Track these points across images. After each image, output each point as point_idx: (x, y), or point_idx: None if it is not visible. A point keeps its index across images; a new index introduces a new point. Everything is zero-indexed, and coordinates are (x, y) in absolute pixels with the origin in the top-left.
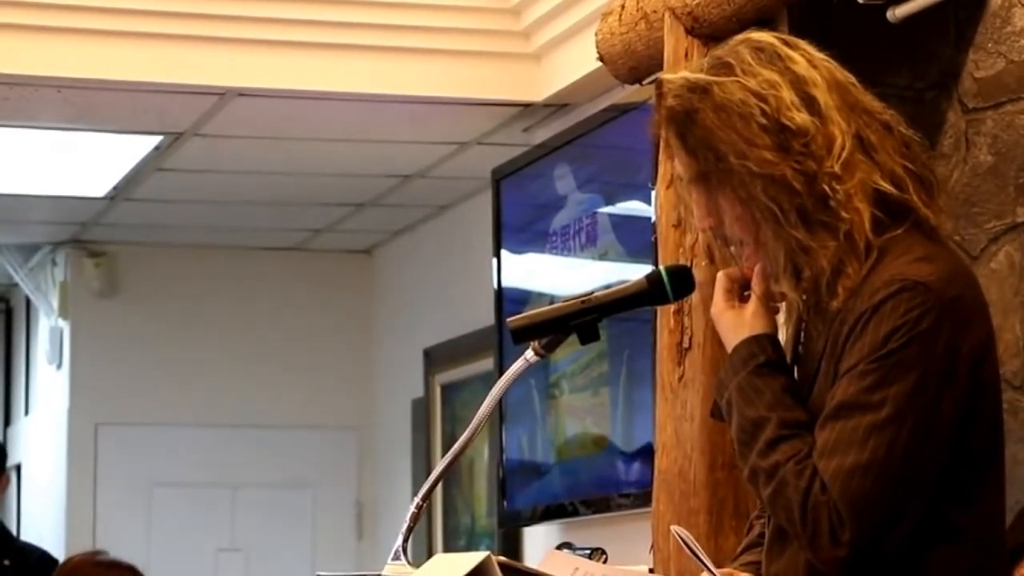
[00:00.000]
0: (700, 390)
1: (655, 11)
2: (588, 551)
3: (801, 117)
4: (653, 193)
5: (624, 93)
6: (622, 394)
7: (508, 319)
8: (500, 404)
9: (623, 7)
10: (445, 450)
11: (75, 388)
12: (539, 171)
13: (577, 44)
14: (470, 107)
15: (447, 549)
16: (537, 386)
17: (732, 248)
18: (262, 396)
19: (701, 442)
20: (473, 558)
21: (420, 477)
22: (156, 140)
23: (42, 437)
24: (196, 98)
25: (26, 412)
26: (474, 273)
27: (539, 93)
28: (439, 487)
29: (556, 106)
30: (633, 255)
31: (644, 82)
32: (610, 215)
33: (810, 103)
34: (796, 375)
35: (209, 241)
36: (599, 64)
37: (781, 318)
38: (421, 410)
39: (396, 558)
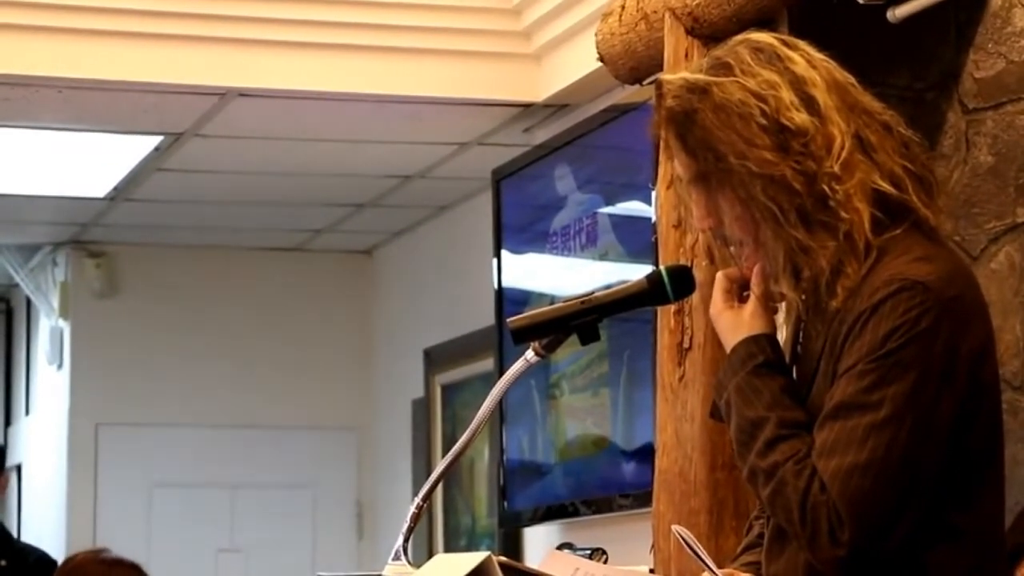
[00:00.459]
0: (700, 390)
1: (655, 11)
2: (589, 551)
3: (800, 117)
4: (653, 193)
5: (624, 93)
6: (622, 394)
7: (508, 319)
8: (500, 404)
9: (623, 8)
10: (445, 450)
11: (75, 388)
12: (539, 171)
13: (577, 44)
14: (470, 107)
15: (448, 549)
16: (537, 386)
17: (732, 248)
18: (262, 397)
19: (701, 442)
20: (474, 558)
21: (420, 477)
22: (156, 140)
23: (42, 437)
24: (196, 98)
25: (26, 412)
26: (474, 273)
27: (539, 93)
28: (440, 487)
29: (556, 106)
30: (633, 255)
31: (644, 82)
32: (610, 215)
33: (809, 103)
34: (795, 375)
35: (209, 241)
36: (599, 64)
37: (780, 318)
38: (421, 410)
39: (396, 558)
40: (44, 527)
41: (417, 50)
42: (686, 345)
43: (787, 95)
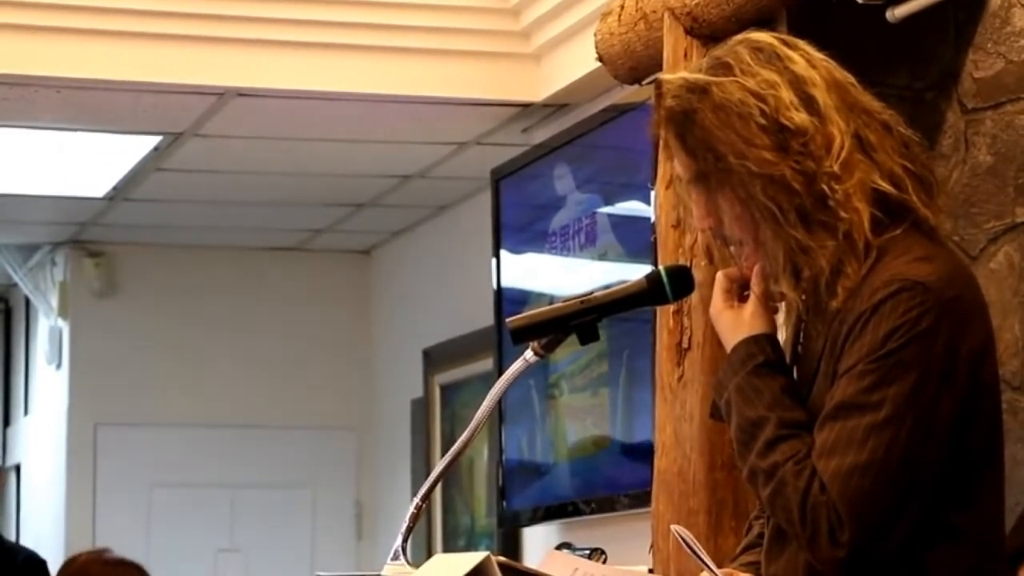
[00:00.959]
0: (699, 390)
1: (654, 11)
2: (587, 551)
3: (800, 117)
4: (652, 193)
5: (623, 93)
6: (621, 394)
7: (507, 319)
8: (499, 404)
9: (622, 7)
10: (444, 450)
11: (74, 388)
12: (538, 171)
13: (576, 44)
14: (469, 107)
15: (447, 549)
16: (536, 386)
17: (731, 248)
18: (262, 396)
19: (700, 442)
20: (473, 558)
21: (419, 477)
22: (155, 140)
23: (41, 437)
24: (195, 98)
25: (25, 412)
26: (473, 273)
27: (538, 93)
28: (439, 487)
29: (555, 106)
30: (632, 255)
31: (643, 82)
32: (609, 215)
33: (809, 103)
34: (795, 375)
35: (208, 241)
36: (598, 64)
37: (780, 318)
38: (420, 410)
39: (395, 558)
40: (43, 527)
41: (416, 50)
42: (685, 345)
43: (787, 95)
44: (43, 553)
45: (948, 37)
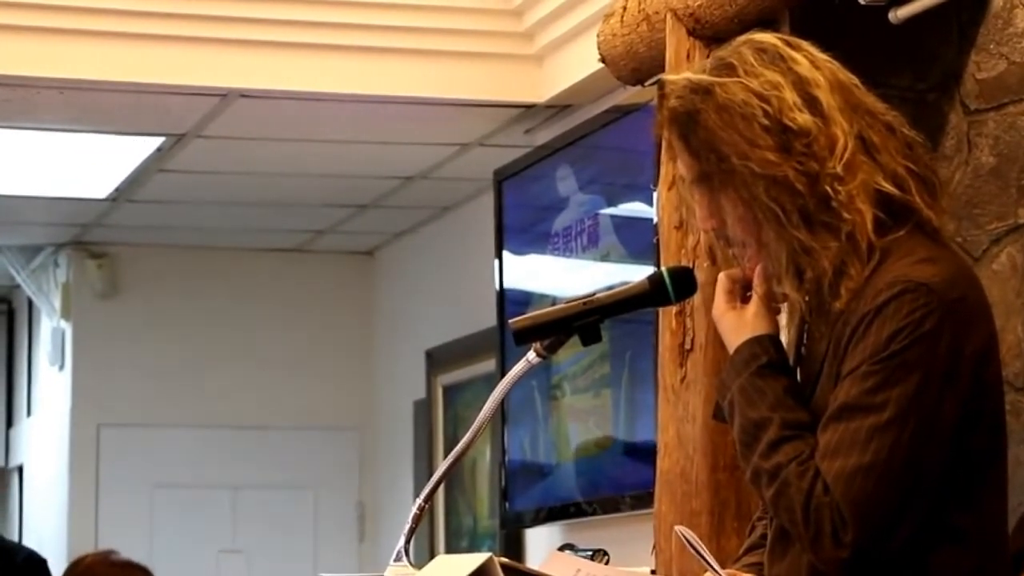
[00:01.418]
0: (702, 391)
1: (657, 12)
2: (590, 552)
3: (803, 118)
4: (655, 194)
5: (626, 94)
6: (624, 395)
7: (510, 320)
8: (502, 405)
9: (625, 8)
10: (447, 451)
11: (77, 389)
12: (541, 172)
13: (579, 45)
14: (472, 108)
15: (449, 550)
16: (539, 387)
17: (734, 249)
18: (264, 397)
19: (703, 443)
20: (475, 559)
21: (422, 478)
22: (158, 141)
23: (44, 438)
24: (198, 99)
25: (28, 413)
26: (476, 274)
27: (541, 94)
28: (441, 488)
29: (558, 107)
30: (635, 256)
31: (646, 83)
32: (612, 216)
33: (812, 104)
34: (799, 376)
35: (211, 242)
36: (601, 65)
37: (784, 319)
38: (423, 411)
39: (398, 559)
40: (46, 528)
41: (419, 51)
42: (687, 346)
43: (790, 96)
44: (45, 554)
45: (951, 38)
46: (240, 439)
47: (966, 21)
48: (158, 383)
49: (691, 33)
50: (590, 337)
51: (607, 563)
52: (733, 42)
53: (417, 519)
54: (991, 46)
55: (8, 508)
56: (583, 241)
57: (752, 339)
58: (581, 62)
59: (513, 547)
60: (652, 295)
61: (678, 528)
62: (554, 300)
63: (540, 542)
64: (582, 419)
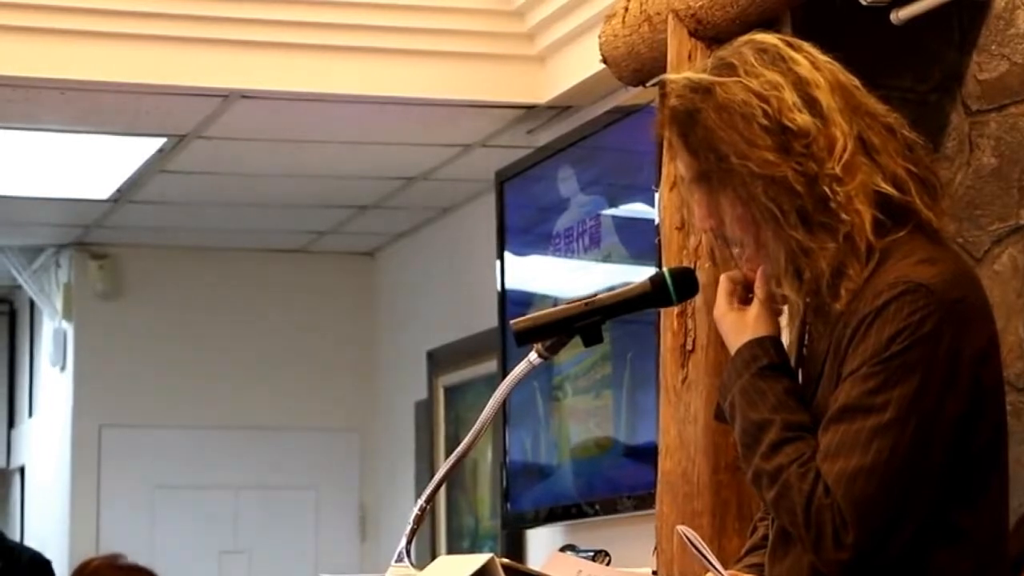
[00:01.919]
0: (703, 392)
1: (658, 13)
2: (591, 553)
3: (803, 118)
4: (656, 195)
5: (628, 95)
6: (625, 396)
7: (512, 321)
8: (503, 406)
9: (626, 9)
10: (448, 452)
11: (79, 390)
12: (543, 173)
13: (581, 46)
14: (474, 109)
15: (451, 551)
16: (540, 388)
17: (733, 249)
18: (265, 398)
19: (704, 444)
20: (476, 560)
21: (423, 479)
22: (160, 142)
23: (46, 439)
24: (200, 100)
25: (30, 414)
26: (477, 275)
27: (543, 95)
28: (442, 489)
29: (560, 108)
30: (636, 257)
31: (647, 84)
32: (613, 217)
33: (812, 104)
34: (800, 377)
35: (212, 243)
36: (603, 66)
37: (784, 320)
38: (424, 412)
39: (399, 560)
40: (47, 529)
41: (420, 52)
42: (689, 347)
43: (790, 96)
44: (47, 554)
45: (952, 39)
46: (242, 440)
47: (967, 22)
48: (160, 384)
49: (692, 34)
50: (591, 338)
51: (608, 564)
52: (734, 42)
53: (418, 520)
54: (992, 47)
55: (9, 509)
56: (585, 242)
57: (753, 341)
58: (583, 63)
59: (514, 548)
60: (653, 296)
61: (680, 528)
62: (555, 301)
63: (541, 543)
64: (583, 420)
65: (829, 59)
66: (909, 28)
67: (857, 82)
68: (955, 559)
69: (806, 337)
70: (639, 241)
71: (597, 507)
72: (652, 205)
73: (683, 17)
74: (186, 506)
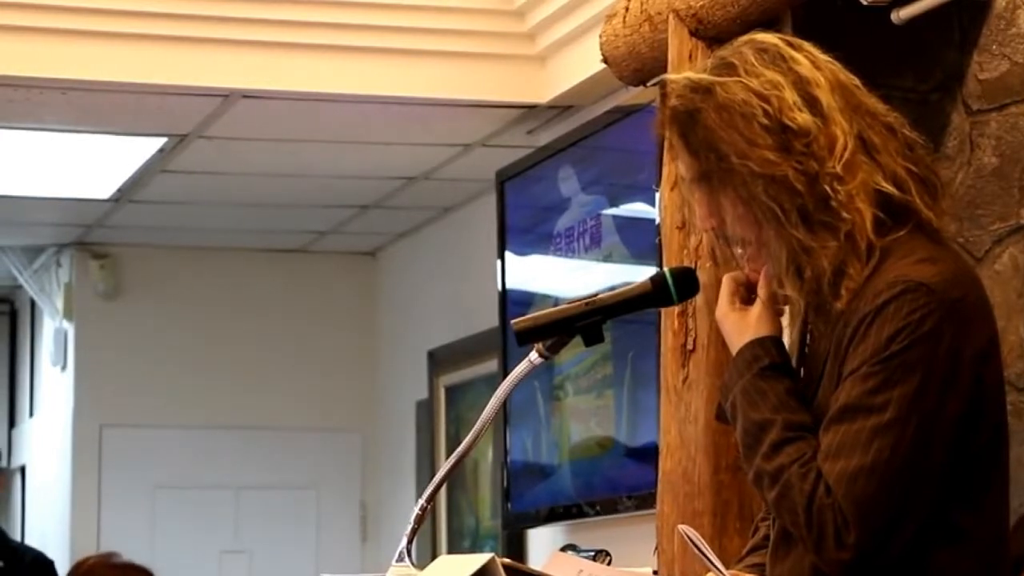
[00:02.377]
0: (704, 392)
1: (659, 13)
2: (592, 553)
3: (803, 117)
4: (657, 195)
5: (628, 95)
6: (626, 396)
7: (512, 321)
8: (504, 406)
9: (627, 9)
10: (449, 452)
11: (79, 390)
12: (543, 173)
13: (581, 46)
14: (474, 109)
15: (451, 551)
16: (541, 388)
17: (735, 249)
18: (266, 398)
19: (705, 444)
20: (477, 560)
21: (424, 479)
22: (161, 142)
23: (47, 439)
24: (201, 100)
25: (31, 414)
26: (478, 275)
27: (543, 95)
28: (443, 489)
29: (560, 108)
30: (637, 257)
31: (648, 84)
32: (614, 217)
33: (813, 104)
34: (802, 376)
35: (213, 243)
36: (603, 66)
37: (786, 320)
38: (425, 412)
39: (400, 560)
40: (48, 528)
41: (421, 52)
42: (690, 347)
43: (790, 95)
44: (48, 554)
45: (953, 39)
46: (242, 440)
47: (968, 22)
48: (161, 384)
49: (693, 34)
50: (592, 338)
51: (609, 564)
52: (735, 42)
53: (419, 519)
54: (993, 47)
55: (10, 509)
56: (585, 242)
57: (755, 341)
58: (583, 63)
59: (515, 548)
60: (654, 295)
61: (681, 527)
62: (556, 301)
63: (542, 543)
64: (584, 420)
65: (829, 59)
66: (910, 28)
67: (857, 81)
68: (956, 559)
69: (807, 337)
70: (640, 241)
71: (598, 507)
72: (653, 205)
73: (684, 17)
74: (187, 506)
